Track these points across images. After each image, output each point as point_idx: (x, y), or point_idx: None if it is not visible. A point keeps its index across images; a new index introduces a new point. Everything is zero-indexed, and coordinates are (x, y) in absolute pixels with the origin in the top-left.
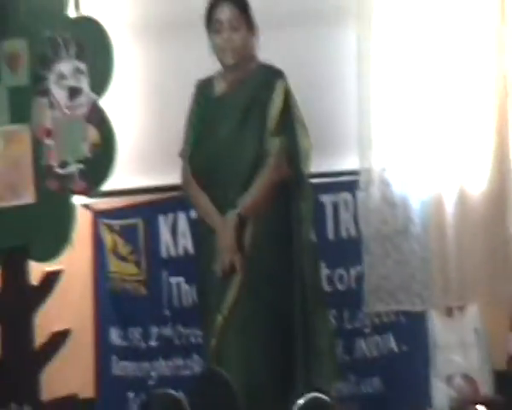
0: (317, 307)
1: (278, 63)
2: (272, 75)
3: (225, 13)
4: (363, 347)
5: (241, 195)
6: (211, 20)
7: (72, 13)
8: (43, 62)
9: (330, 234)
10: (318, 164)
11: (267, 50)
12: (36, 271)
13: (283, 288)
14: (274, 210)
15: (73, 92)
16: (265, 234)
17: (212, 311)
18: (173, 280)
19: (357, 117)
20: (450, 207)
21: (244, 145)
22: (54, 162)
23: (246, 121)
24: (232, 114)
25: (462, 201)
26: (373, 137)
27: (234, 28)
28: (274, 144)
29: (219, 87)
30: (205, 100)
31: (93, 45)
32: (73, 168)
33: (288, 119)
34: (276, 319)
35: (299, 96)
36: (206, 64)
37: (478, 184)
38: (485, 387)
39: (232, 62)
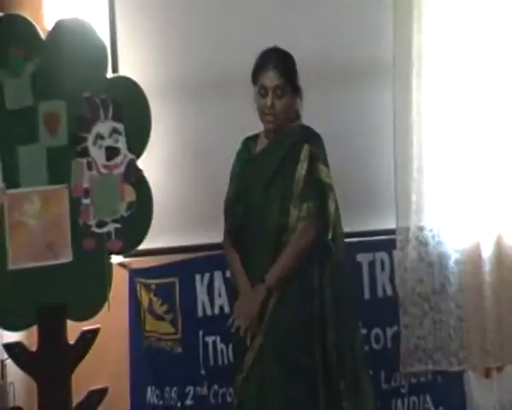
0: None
1: (315, 123)
2: (300, 138)
3: (271, 80)
4: (400, 407)
5: (264, 260)
6: (256, 80)
7: (109, 73)
8: (81, 123)
9: (367, 293)
10: (355, 223)
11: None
12: (73, 329)
13: (304, 352)
14: (297, 277)
15: (111, 152)
16: (287, 301)
17: (235, 371)
18: (209, 339)
19: (394, 175)
20: (487, 266)
21: (269, 208)
22: (91, 221)
23: (273, 183)
24: (264, 173)
25: (499, 260)
26: (411, 196)
27: (278, 96)
28: (302, 210)
29: (260, 145)
30: (246, 157)
31: (130, 105)
32: (110, 227)
33: (314, 184)
34: (297, 380)
35: (336, 155)
36: (243, 123)
37: None
38: None
39: (272, 127)
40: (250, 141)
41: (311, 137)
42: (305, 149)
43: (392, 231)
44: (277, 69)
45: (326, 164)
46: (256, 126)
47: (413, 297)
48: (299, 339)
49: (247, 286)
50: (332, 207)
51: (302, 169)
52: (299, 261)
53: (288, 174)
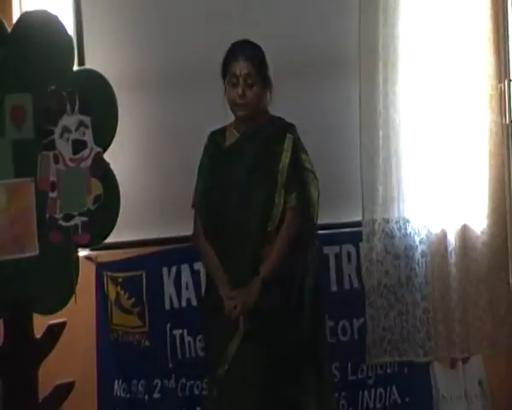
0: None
1: (282, 116)
2: (281, 129)
3: (242, 68)
4: (367, 398)
5: (250, 248)
6: (227, 72)
7: (75, 66)
8: (47, 116)
9: (333, 286)
10: (321, 215)
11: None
12: (39, 323)
13: (284, 340)
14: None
15: (77, 145)
16: (271, 289)
17: (215, 363)
18: (176, 332)
19: (360, 168)
20: (452, 258)
21: (253, 197)
22: (57, 215)
23: (254, 174)
24: (241, 164)
25: (465, 251)
26: (377, 188)
27: (249, 85)
28: (290, 200)
29: (230, 138)
30: (215, 150)
31: (97, 98)
32: (77, 221)
33: (299, 172)
34: (276, 373)
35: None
36: (211, 116)
37: (479, 232)
38: None
39: (244, 116)
40: (217, 135)
41: (290, 127)
42: (289, 138)
43: (358, 224)
44: (248, 58)
45: (306, 152)
46: (224, 119)
47: (379, 289)
48: (282, 326)
49: (225, 281)
50: (315, 195)
51: (286, 158)
52: (289, 250)
53: (270, 164)
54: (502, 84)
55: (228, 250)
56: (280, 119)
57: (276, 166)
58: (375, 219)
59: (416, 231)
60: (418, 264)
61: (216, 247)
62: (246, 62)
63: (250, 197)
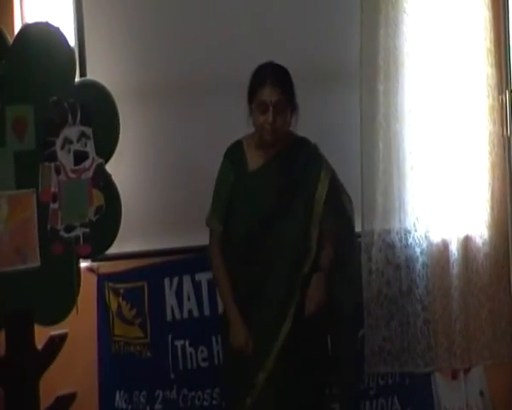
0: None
1: None
2: (312, 155)
3: (272, 96)
4: (369, 409)
5: (280, 291)
6: (255, 97)
7: (77, 77)
8: (49, 127)
9: None
10: None
11: None
12: (40, 334)
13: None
14: None
15: (79, 156)
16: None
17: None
18: (178, 343)
19: (360, 178)
20: (454, 269)
21: (287, 227)
22: (59, 226)
23: (286, 203)
24: (270, 190)
25: (466, 262)
26: (377, 199)
27: (278, 112)
28: (329, 226)
29: (252, 160)
30: (239, 172)
31: (98, 110)
32: (78, 232)
33: (336, 204)
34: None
35: None
36: (213, 128)
37: (480, 243)
38: None
39: (271, 140)
40: (237, 153)
41: (320, 154)
42: (326, 167)
43: (359, 235)
44: (277, 85)
45: (339, 179)
46: (229, 131)
47: (379, 299)
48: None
49: (232, 305)
50: (350, 209)
51: (324, 189)
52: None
53: (305, 192)
54: (503, 96)
55: (256, 274)
56: (305, 140)
57: (311, 195)
58: (374, 230)
59: (417, 241)
60: (419, 275)
61: (239, 268)
62: (275, 89)
63: (284, 228)
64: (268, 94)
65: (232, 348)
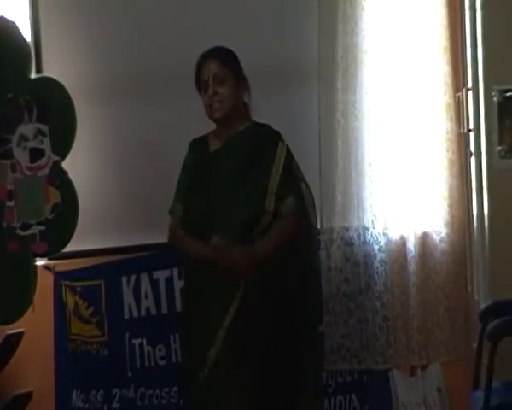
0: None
1: None
2: (271, 134)
3: (209, 70)
4: (327, 406)
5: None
6: (199, 82)
7: (33, 74)
8: (4, 124)
9: None
10: None
11: None
12: None
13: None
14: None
15: (35, 154)
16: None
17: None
18: (135, 341)
19: (319, 176)
20: (411, 266)
21: (242, 202)
22: (15, 224)
23: (241, 179)
24: (227, 169)
25: (424, 259)
26: (336, 196)
27: (219, 82)
28: (286, 204)
29: (213, 143)
30: (198, 156)
31: (55, 106)
32: (34, 230)
33: (293, 178)
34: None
35: None
36: (169, 124)
37: (438, 240)
38: None
39: (220, 115)
40: (198, 143)
41: (279, 134)
42: (282, 145)
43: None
44: (215, 59)
45: (294, 159)
46: (184, 127)
47: (338, 296)
48: (265, 334)
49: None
50: (311, 199)
51: (279, 165)
52: (279, 246)
53: (260, 169)
54: (459, 93)
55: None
56: (266, 125)
57: (266, 172)
58: (333, 227)
59: (375, 238)
60: (377, 272)
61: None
62: (213, 63)
63: (238, 203)
64: (206, 69)
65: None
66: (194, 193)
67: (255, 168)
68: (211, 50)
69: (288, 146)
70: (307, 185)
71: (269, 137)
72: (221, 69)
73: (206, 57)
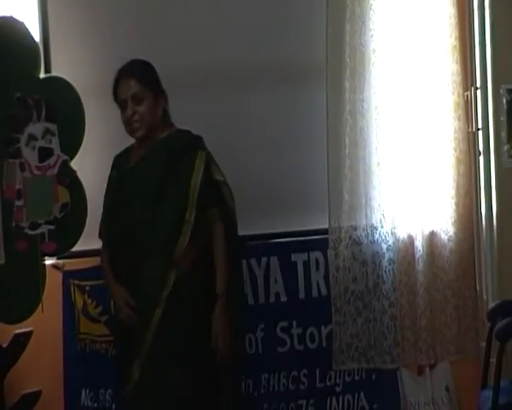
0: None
1: (250, 124)
2: (190, 144)
3: (126, 89)
4: (335, 405)
5: (157, 269)
6: (116, 96)
7: (42, 73)
8: (13, 124)
9: (301, 293)
10: (289, 223)
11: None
12: (5, 333)
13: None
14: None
15: (44, 153)
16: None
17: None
18: None
19: (327, 175)
20: (419, 265)
21: (163, 215)
22: (23, 223)
23: (161, 192)
24: (147, 183)
25: (431, 259)
26: (343, 195)
27: (138, 101)
28: (211, 215)
29: (134, 157)
30: (119, 173)
31: (63, 106)
32: (43, 229)
33: (213, 187)
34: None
35: (271, 155)
36: (178, 123)
37: (446, 239)
38: None
39: (141, 135)
40: (121, 158)
41: (199, 140)
42: (201, 154)
43: (327, 231)
44: (133, 77)
45: (217, 163)
46: (194, 126)
47: (346, 296)
48: (194, 335)
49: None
50: (233, 205)
51: (198, 175)
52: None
53: (180, 181)
54: (468, 92)
55: (134, 274)
56: (186, 132)
57: (186, 184)
58: (341, 227)
59: (384, 238)
60: (385, 271)
61: (123, 272)
62: (129, 81)
63: (159, 217)
64: (124, 88)
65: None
66: (117, 211)
67: (175, 179)
68: (128, 67)
69: (208, 151)
70: (229, 189)
71: (188, 146)
72: (139, 88)
73: (123, 75)
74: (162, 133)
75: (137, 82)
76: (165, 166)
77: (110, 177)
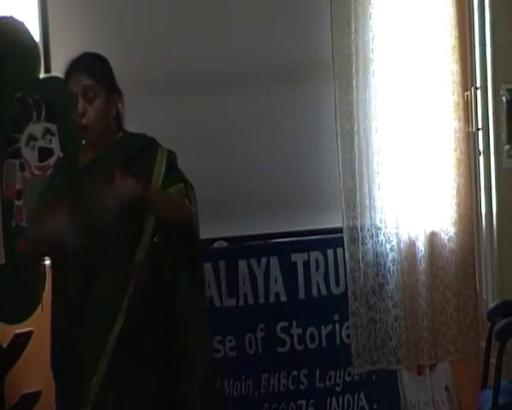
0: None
1: (261, 125)
2: (147, 142)
3: (78, 82)
4: (335, 405)
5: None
6: (67, 94)
7: (42, 73)
8: (13, 124)
9: (301, 293)
10: (289, 223)
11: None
12: (5, 332)
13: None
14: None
15: (44, 153)
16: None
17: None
18: None
19: (337, 175)
20: (421, 266)
21: (118, 220)
22: (23, 223)
23: None
24: (102, 182)
25: (432, 259)
26: (351, 196)
27: (89, 99)
28: (178, 188)
29: (83, 158)
30: (65, 174)
31: (63, 106)
32: None
33: (177, 177)
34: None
35: (275, 155)
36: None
37: (446, 239)
38: None
39: (91, 136)
40: (65, 160)
41: (156, 142)
42: (161, 150)
43: (327, 231)
44: (86, 72)
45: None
46: (195, 126)
47: (352, 296)
48: (153, 338)
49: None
50: (195, 204)
51: (160, 172)
52: (170, 217)
53: (140, 179)
54: (468, 92)
55: (90, 286)
56: (139, 134)
57: (147, 182)
58: (347, 227)
59: (388, 238)
60: (390, 271)
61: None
62: (82, 75)
63: (115, 220)
64: (75, 83)
65: None
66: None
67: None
68: (82, 61)
69: (168, 150)
70: (191, 185)
71: (146, 146)
72: (92, 85)
73: (75, 69)
74: (114, 134)
75: (90, 77)
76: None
77: (51, 177)
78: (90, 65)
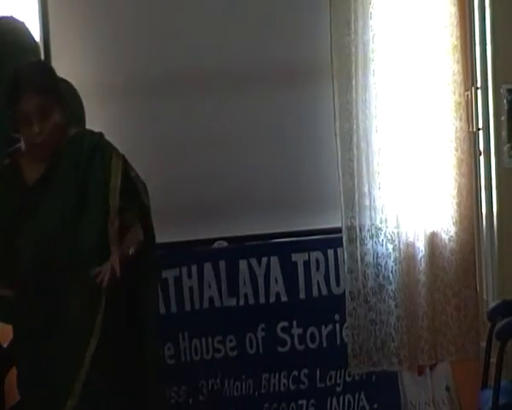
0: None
1: (260, 125)
2: (103, 152)
3: (33, 102)
4: (336, 405)
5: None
6: (12, 104)
7: None
8: (13, 124)
9: (302, 293)
10: (289, 223)
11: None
12: (5, 332)
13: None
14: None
15: None
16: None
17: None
18: None
19: (337, 175)
20: (421, 266)
21: (87, 227)
22: None
23: (82, 201)
24: (59, 198)
25: (432, 259)
26: (349, 196)
27: (45, 117)
28: (130, 217)
29: (29, 173)
30: (14, 191)
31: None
32: None
33: (131, 188)
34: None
35: (271, 153)
36: (185, 123)
37: (447, 239)
38: None
39: (46, 154)
40: (8, 173)
41: (106, 142)
42: (116, 157)
43: (328, 231)
44: (35, 90)
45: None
46: (195, 127)
47: (353, 297)
48: (127, 348)
49: None
50: (148, 203)
51: (117, 180)
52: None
53: (99, 188)
54: (468, 92)
55: (56, 305)
56: (84, 135)
57: (105, 189)
58: (347, 227)
59: (389, 238)
60: (391, 271)
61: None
62: (33, 94)
63: (78, 230)
64: (29, 102)
65: None
66: (19, 236)
67: (92, 187)
68: (31, 78)
69: (122, 155)
70: (143, 184)
71: (94, 149)
72: (45, 102)
73: (27, 89)
74: (58, 142)
75: (43, 93)
76: (77, 177)
77: None
78: (40, 80)
